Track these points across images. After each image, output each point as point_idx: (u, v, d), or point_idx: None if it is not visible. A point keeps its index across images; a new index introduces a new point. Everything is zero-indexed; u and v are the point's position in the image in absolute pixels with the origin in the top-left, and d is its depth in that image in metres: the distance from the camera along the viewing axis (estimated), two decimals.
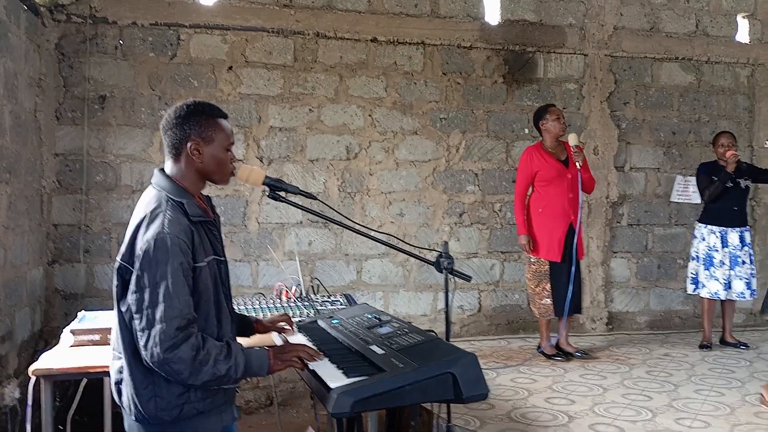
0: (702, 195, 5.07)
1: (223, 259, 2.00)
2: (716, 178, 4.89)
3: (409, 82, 5.40)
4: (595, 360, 4.67)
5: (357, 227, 2.32)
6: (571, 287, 4.53)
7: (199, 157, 1.91)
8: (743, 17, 6.13)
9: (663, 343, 5.27)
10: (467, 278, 2.40)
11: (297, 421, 4.67)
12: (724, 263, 4.93)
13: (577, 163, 4.55)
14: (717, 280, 4.94)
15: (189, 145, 1.90)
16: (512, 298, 5.64)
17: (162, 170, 1.97)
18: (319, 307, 3.14)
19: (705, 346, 5.01)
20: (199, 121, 1.91)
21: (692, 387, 4.00)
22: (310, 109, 5.20)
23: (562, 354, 4.70)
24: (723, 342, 5.11)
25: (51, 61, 4.69)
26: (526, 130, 5.59)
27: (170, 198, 1.87)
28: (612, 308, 5.82)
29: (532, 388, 3.96)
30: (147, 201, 1.90)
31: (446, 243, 2.38)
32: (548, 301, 4.61)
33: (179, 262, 1.77)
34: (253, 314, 3.03)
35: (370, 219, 5.29)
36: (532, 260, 4.68)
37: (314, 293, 3.61)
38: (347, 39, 5.23)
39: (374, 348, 2.02)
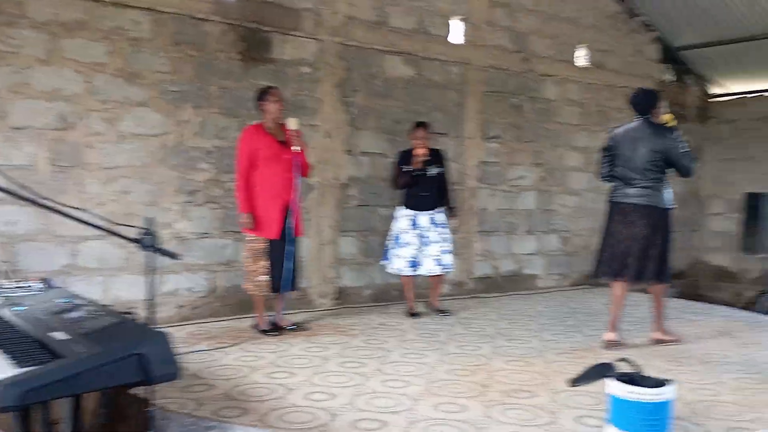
0: (392, 182, 5.59)
1: None
2: (405, 169, 5.42)
3: (137, 50, 5.03)
4: (319, 333, 4.91)
5: (39, 200, 2.10)
6: (289, 264, 4.75)
7: None
8: (458, 20, 6.86)
9: (381, 313, 5.74)
10: (173, 256, 2.33)
11: None
12: (411, 243, 5.49)
13: (294, 148, 4.74)
14: (402, 258, 5.51)
15: None
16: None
17: None
18: (8, 294, 2.78)
19: (412, 314, 5.57)
20: None
21: (401, 351, 4.42)
22: (14, 70, 4.56)
23: (277, 330, 4.88)
24: (429, 308, 5.76)
25: None
26: None
27: None
28: (340, 283, 6.16)
29: (256, 365, 4.02)
30: None
31: (149, 219, 2.28)
32: (264, 278, 4.74)
33: None
34: None
35: (89, 196, 4.84)
36: (249, 238, 4.78)
37: (8, 278, 3.20)
38: None
39: (57, 334, 1.85)
